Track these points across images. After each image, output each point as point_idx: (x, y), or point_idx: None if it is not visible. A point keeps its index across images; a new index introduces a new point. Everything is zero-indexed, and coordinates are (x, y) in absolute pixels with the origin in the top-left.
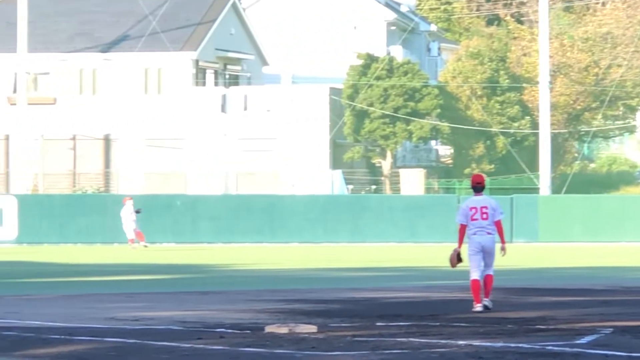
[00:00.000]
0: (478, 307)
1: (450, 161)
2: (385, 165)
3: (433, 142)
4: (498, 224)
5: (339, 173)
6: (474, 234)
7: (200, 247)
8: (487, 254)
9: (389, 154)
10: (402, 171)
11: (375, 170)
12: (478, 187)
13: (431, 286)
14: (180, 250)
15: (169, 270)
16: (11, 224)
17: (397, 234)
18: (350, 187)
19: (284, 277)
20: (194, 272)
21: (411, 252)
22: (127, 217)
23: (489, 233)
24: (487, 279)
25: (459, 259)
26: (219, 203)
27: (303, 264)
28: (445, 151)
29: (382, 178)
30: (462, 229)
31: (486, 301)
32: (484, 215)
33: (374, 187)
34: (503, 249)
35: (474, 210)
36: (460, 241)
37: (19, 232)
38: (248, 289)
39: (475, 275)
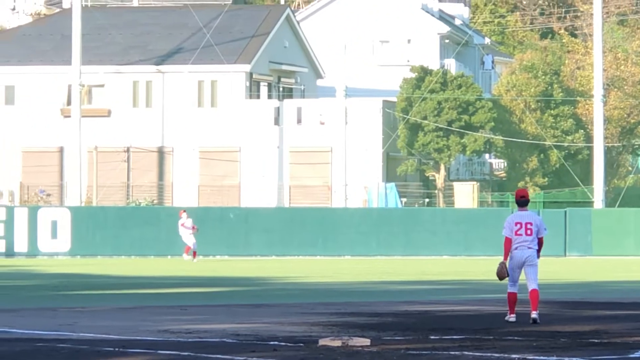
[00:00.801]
0: (512, 317)
1: (504, 174)
2: (439, 178)
3: (487, 156)
4: (541, 241)
5: (392, 186)
6: (516, 248)
7: (254, 259)
8: (529, 268)
9: (442, 167)
10: (455, 184)
11: (428, 184)
12: (522, 201)
13: (484, 299)
14: (234, 263)
15: (222, 283)
16: (65, 236)
17: (451, 247)
18: (404, 200)
19: (337, 290)
20: (247, 284)
21: (464, 266)
22: (186, 229)
23: (529, 247)
24: (532, 293)
25: (507, 272)
26: (272, 216)
27: (356, 277)
28: (498, 164)
29: (436, 191)
30: (508, 242)
31: (534, 314)
32: (529, 231)
33: (427, 200)
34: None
35: (518, 225)
36: (506, 254)
37: (72, 244)
38: (301, 302)
39: (512, 288)
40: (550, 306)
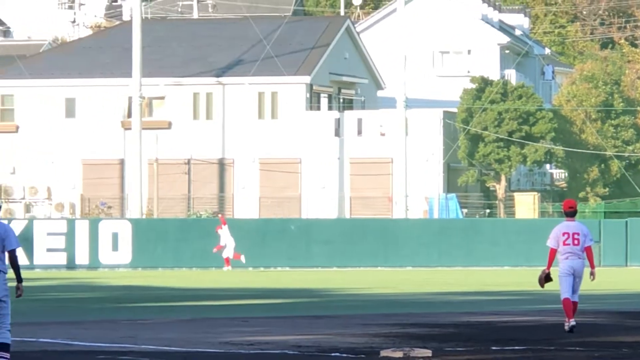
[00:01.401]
0: (572, 322)
1: (565, 185)
2: (500, 189)
3: (547, 166)
4: (588, 250)
5: (453, 197)
6: (566, 258)
7: (315, 271)
8: (577, 278)
9: (503, 177)
10: (516, 195)
11: (489, 194)
12: (570, 212)
13: (546, 310)
14: (295, 274)
15: (283, 295)
16: (126, 248)
17: (512, 257)
18: (465, 210)
19: (398, 301)
20: (308, 296)
21: (525, 276)
22: (228, 237)
23: (579, 258)
24: (573, 305)
25: (547, 279)
26: (333, 227)
27: (417, 287)
28: (559, 175)
29: (496, 202)
30: (552, 253)
31: (573, 321)
32: (576, 241)
33: (488, 211)
34: (592, 274)
35: (566, 235)
36: (549, 264)
37: (133, 257)
38: (362, 313)
39: (566, 294)
40: (612, 316)
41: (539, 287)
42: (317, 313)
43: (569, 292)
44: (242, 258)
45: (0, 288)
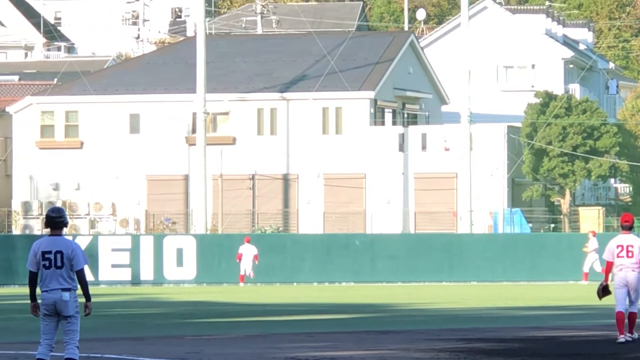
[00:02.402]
0: (621, 338)
1: (630, 199)
2: (564, 203)
3: (612, 180)
4: None
5: (518, 211)
6: (620, 270)
7: (379, 286)
8: (631, 290)
9: (567, 192)
10: (580, 209)
11: (554, 209)
12: (626, 225)
13: (611, 324)
14: (360, 290)
15: (348, 310)
16: (190, 264)
17: (577, 272)
18: (530, 225)
19: (463, 316)
20: (373, 311)
21: (590, 291)
22: (249, 255)
23: (633, 270)
24: (631, 315)
25: (605, 292)
26: (397, 242)
27: (482, 302)
28: (624, 189)
29: (561, 216)
30: (609, 266)
31: (628, 336)
32: (630, 254)
33: (552, 225)
34: None
35: (620, 248)
36: (606, 276)
37: (197, 272)
38: (428, 328)
39: (619, 307)
40: None
41: (603, 302)
42: (382, 328)
43: (623, 305)
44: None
45: (71, 305)
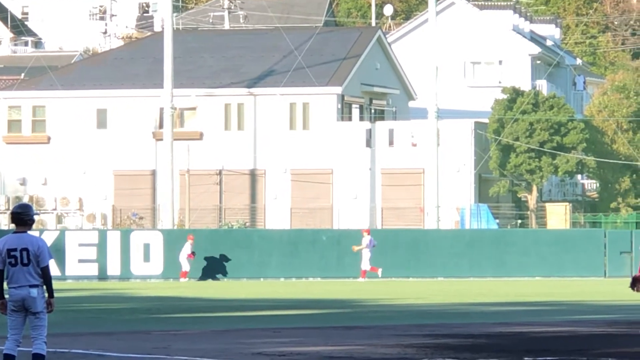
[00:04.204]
0: None
1: (596, 195)
2: (531, 199)
3: (579, 177)
4: None
5: (485, 207)
6: None
7: (346, 281)
8: None
9: (534, 188)
10: (547, 205)
11: (520, 205)
12: None
13: (578, 320)
14: (326, 285)
15: (315, 305)
16: (157, 259)
17: (543, 268)
18: (497, 221)
19: (430, 312)
20: (340, 307)
21: (557, 287)
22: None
23: None
24: None
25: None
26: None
27: (449, 298)
28: (591, 185)
29: (528, 212)
30: None
31: None
32: None
33: (519, 221)
34: None
35: None
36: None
37: (164, 267)
38: (394, 324)
39: None
40: None
41: (570, 298)
42: (349, 324)
43: None
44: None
45: (39, 301)
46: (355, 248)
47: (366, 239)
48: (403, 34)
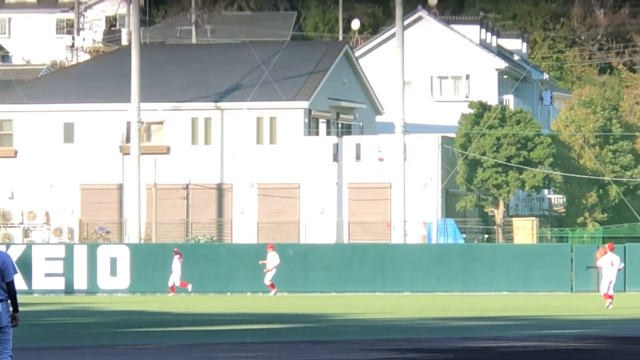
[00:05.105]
0: None
1: (563, 210)
2: (498, 214)
3: (545, 191)
4: None
5: (451, 222)
6: None
7: (313, 296)
8: None
9: (501, 202)
10: (514, 220)
11: (487, 219)
12: None
13: (544, 335)
14: (293, 299)
15: (282, 320)
16: (124, 273)
17: (510, 283)
18: (464, 235)
19: (397, 326)
20: (307, 321)
21: (524, 301)
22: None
23: None
24: None
25: None
26: (331, 252)
27: (416, 313)
28: (557, 200)
29: (495, 227)
30: None
31: None
32: None
33: (486, 236)
34: None
35: None
36: None
37: (131, 282)
38: (361, 338)
39: None
40: (611, 342)
41: (536, 313)
42: (315, 338)
43: None
44: (189, 287)
45: (3, 316)
46: (261, 262)
47: (272, 255)
48: (370, 48)
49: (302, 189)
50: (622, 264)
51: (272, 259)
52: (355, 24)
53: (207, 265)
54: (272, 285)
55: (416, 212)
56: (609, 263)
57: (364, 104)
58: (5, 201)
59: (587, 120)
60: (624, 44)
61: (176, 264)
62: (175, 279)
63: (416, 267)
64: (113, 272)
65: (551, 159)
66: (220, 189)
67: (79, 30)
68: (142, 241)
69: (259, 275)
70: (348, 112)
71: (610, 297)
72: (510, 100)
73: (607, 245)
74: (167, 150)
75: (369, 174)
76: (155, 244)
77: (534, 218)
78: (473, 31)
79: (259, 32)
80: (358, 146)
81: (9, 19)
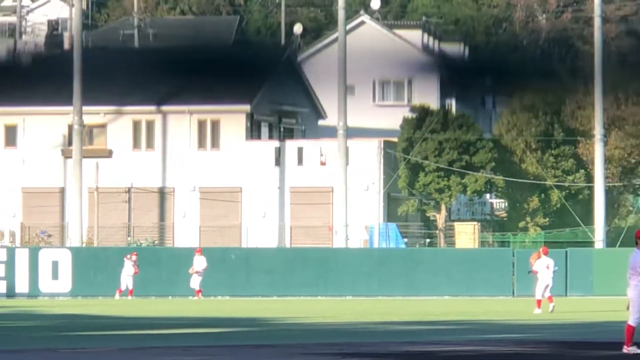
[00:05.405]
0: (625, 349)
1: (505, 215)
2: (440, 218)
3: (487, 196)
4: None
5: (393, 226)
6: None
7: (255, 300)
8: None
9: (443, 207)
10: (456, 224)
11: (429, 224)
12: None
13: (486, 340)
14: (235, 304)
15: (224, 324)
16: (66, 277)
17: (452, 287)
18: (406, 240)
19: (339, 331)
20: (249, 325)
21: (466, 306)
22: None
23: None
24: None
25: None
26: (273, 256)
27: (358, 317)
28: (499, 204)
29: (437, 231)
30: None
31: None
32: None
33: (428, 240)
34: None
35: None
36: None
37: (73, 285)
38: (303, 342)
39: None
40: (553, 346)
41: (478, 317)
42: (258, 342)
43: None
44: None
45: None
46: (192, 270)
47: (200, 259)
48: (313, 52)
49: (244, 193)
50: (557, 267)
51: (199, 263)
52: (298, 28)
53: (149, 268)
54: (199, 292)
55: (358, 217)
56: (544, 267)
57: (306, 108)
58: None
59: (529, 124)
60: (566, 49)
61: (129, 267)
62: (128, 281)
63: (358, 271)
64: (55, 275)
65: (493, 164)
66: (162, 193)
67: (20, 34)
68: (84, 245)
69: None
70: (290, 116)
71: (550, 299)
72: (452, 104)
73: (540, 249)
74: (109, 154)
75: (311, 178)
76: (97, 247)
77: (475, 223)
78: (416, 36)
79: (202, 37)
80: (300, 150)
81: None
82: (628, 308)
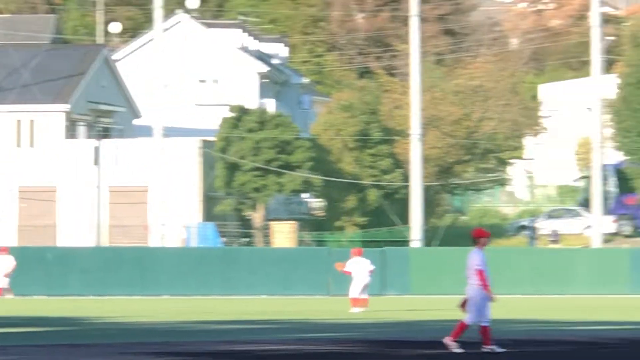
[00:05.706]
0: (447, 340)
1: (322, 214)
2: (257, 217)
3: (305, 195)
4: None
5: (211, 226)
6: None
7: (71, 299)
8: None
9: (260, 206)
10: (273, 224)
11: (246, 223)
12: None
13: (302, 339)
14: (51, 303)
15: (40, 323)
16: None
17: (269, 286)
18: (224, 239)
19: (155, 330)
20: (65, 324)
21: (283, 305)
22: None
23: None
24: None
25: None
26: (90, 256)
27: (175, 316)
28: (317, 204)
29: (254, 231)
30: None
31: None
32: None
33: (246, 239)
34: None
35: None
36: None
37: None
38: (120, 342)
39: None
40: (371, 345)
41: (294, 316)
42: (75, 342)
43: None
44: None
45: None
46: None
47: (7, 258)
48: (130, 51)
49: (60, 192)
50: (374, 266)
51: (7, 262)
52: (115, 27)
53: None
54: (7, 290)
55: (176, 216)
56: (358, 267)
57: (123, 107)
58: None
59: (346, 124)
60: (383, 49)
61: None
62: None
63: (175, 270)
64: None
65: (311, 163)
66: None
67: None
68: None
69: (18, 280)
70: (107, 115)
71: (364, 300)
72: (271, 103)
73: (353, 250)
74: None
75: (128, 177)
76: None
77: (293, 222)
78: (233, 35)
79: (18, 35)
80: (117, 149)
81: None
82: (462, 305)
